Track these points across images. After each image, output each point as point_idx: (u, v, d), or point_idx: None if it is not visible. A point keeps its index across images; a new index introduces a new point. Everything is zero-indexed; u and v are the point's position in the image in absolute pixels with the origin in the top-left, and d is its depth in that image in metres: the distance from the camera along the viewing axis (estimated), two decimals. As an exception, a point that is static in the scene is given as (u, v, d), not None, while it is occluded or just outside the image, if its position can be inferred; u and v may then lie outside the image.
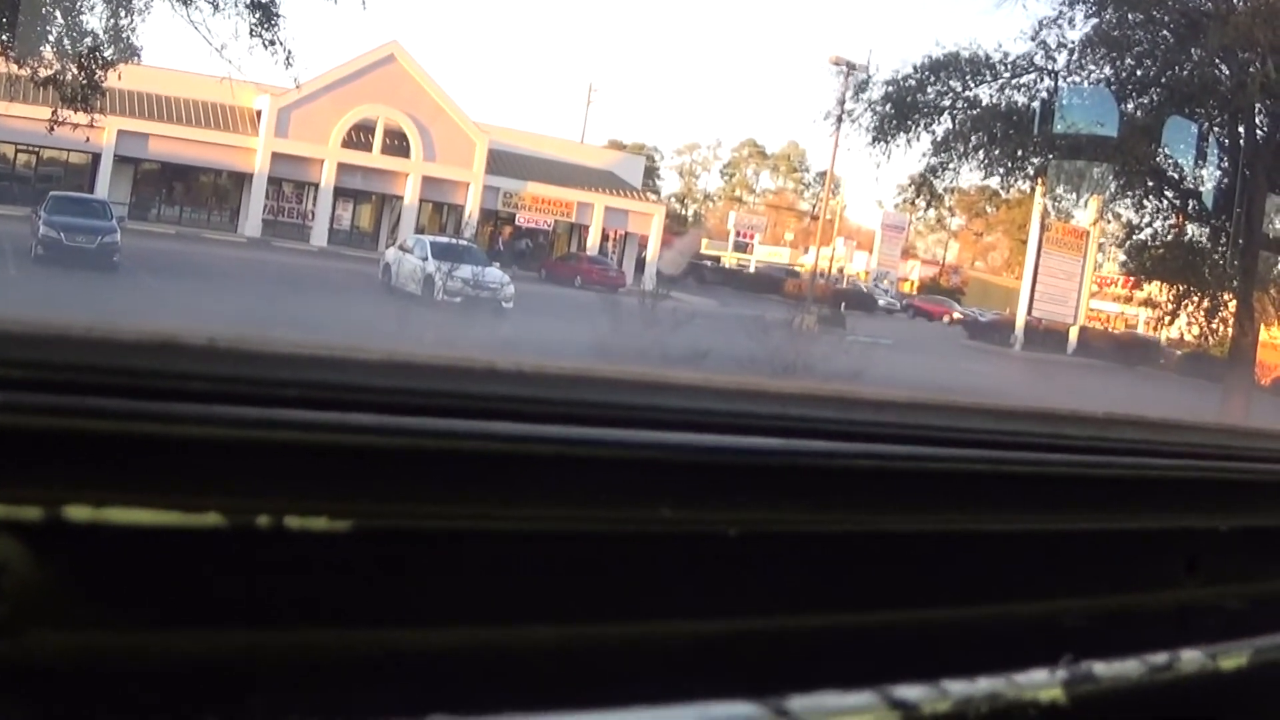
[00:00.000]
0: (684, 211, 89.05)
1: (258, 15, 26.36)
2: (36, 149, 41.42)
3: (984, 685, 1.02)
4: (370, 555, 0.86)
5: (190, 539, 0.79)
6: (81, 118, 26.72)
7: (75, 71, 26.38)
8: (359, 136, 46.89)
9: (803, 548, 1.09)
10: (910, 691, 0.97)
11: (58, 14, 26.92)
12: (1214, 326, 32.91)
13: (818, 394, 1.20)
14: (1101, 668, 1.13)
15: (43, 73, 26.43)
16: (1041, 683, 1.07)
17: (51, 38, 27.18)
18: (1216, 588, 1.48)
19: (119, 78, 27.99)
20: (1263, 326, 33.30)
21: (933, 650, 1.12)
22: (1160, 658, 1.21)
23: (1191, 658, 1.24)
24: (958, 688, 1.00)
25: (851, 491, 1.12)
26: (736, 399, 1.10)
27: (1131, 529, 1.40)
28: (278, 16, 26.70)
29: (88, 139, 29.93)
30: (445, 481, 0.89)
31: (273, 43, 26.91)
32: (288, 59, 27.57)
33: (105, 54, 26.74)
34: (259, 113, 45.32)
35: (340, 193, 47.70)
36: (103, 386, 0.78)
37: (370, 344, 0.94)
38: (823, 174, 63.75)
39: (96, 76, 26.50)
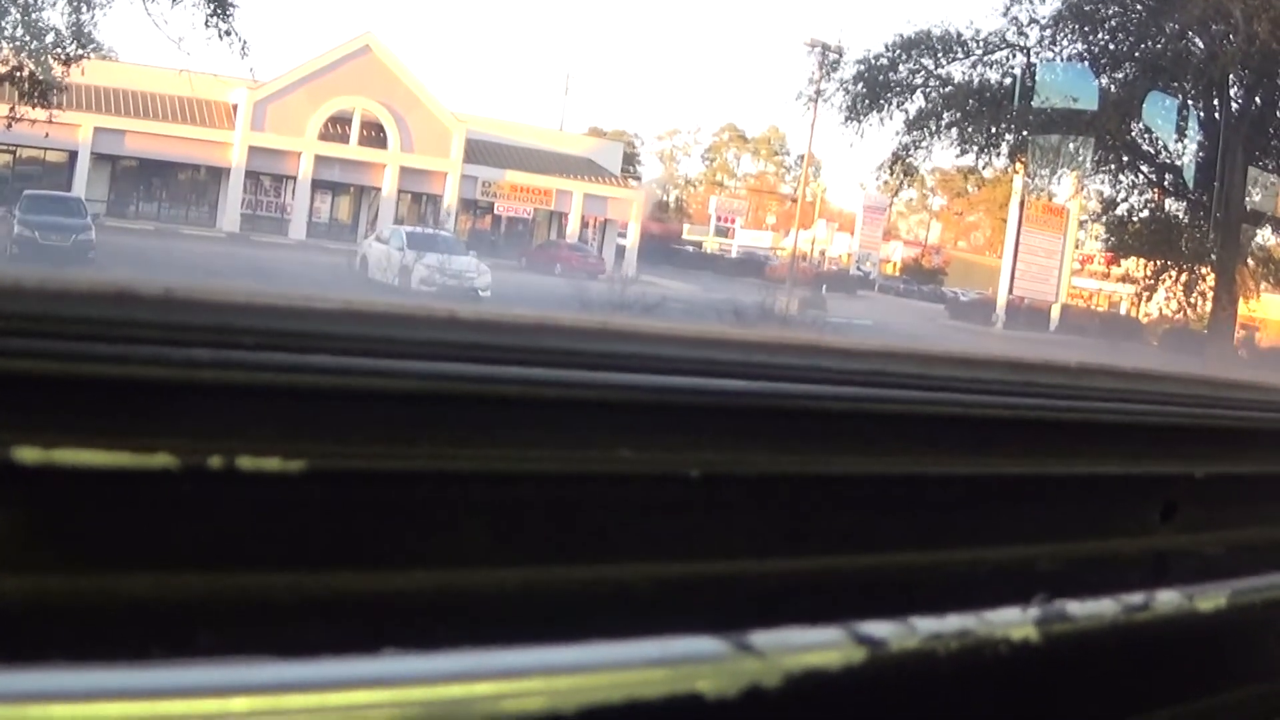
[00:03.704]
0: (665, 197, 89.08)
1: (212, 6, 26.29)
2: (14, 148, 41.27)
3: (954, 623, 1.02)
4: (324, 496, 0.85)
5: (142, 480, 0.78)
6: (40, 113, 26.64)
7: (33, 67, 26.33)
8: (336, 128, 46.88)
9: (767, 489, 1.08)
10: (878, 628, 0.96)
11: (13, 10, 26.83)
12: (1192, 301, 33.07)
13: (785, 342, 1.19)
14: (1075, 607, 1.13)
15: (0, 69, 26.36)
16: (1013, 621, 1.07)
17: (8, 34, 27.12)
18: (1193, 534, 1.47)
19: (82, 73, 27.92)
20: (1242, 300, 33.43)
21: (903, 593, 1.11)
22: (1136, 598, 1.20)
23: (1168, 599, 1.24)
24: (927, 625, 1.00)
25: (818, 434, 1.11)
26: (701, 346, 1.09)
27: (1107, 474, 1.39)
28: (232, 7, 26.65)
29: (46, 134, 29.85)
30: (400, 422, 0.88)
31: (228, 33, 26.88)
32: (243, 49, 27.52)
33: (67, 49, 26.68)
34: (235, 107, 45.24)
35: (318, 185, 47.67)
36: (56, 334, 0.77)
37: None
38: (803, 157, 63.81)
39: (54, 72, 26.42)
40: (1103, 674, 1.17)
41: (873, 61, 33.86)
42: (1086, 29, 32.01)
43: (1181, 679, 1.30)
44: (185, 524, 0.80)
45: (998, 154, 34.50)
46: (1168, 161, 32.98)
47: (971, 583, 1.19)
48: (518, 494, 0.94)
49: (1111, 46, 32.08)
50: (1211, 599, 1.28)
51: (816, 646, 0.92)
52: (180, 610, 0.80)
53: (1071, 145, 31.68)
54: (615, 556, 0.98)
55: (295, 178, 46.88)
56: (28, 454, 0.74)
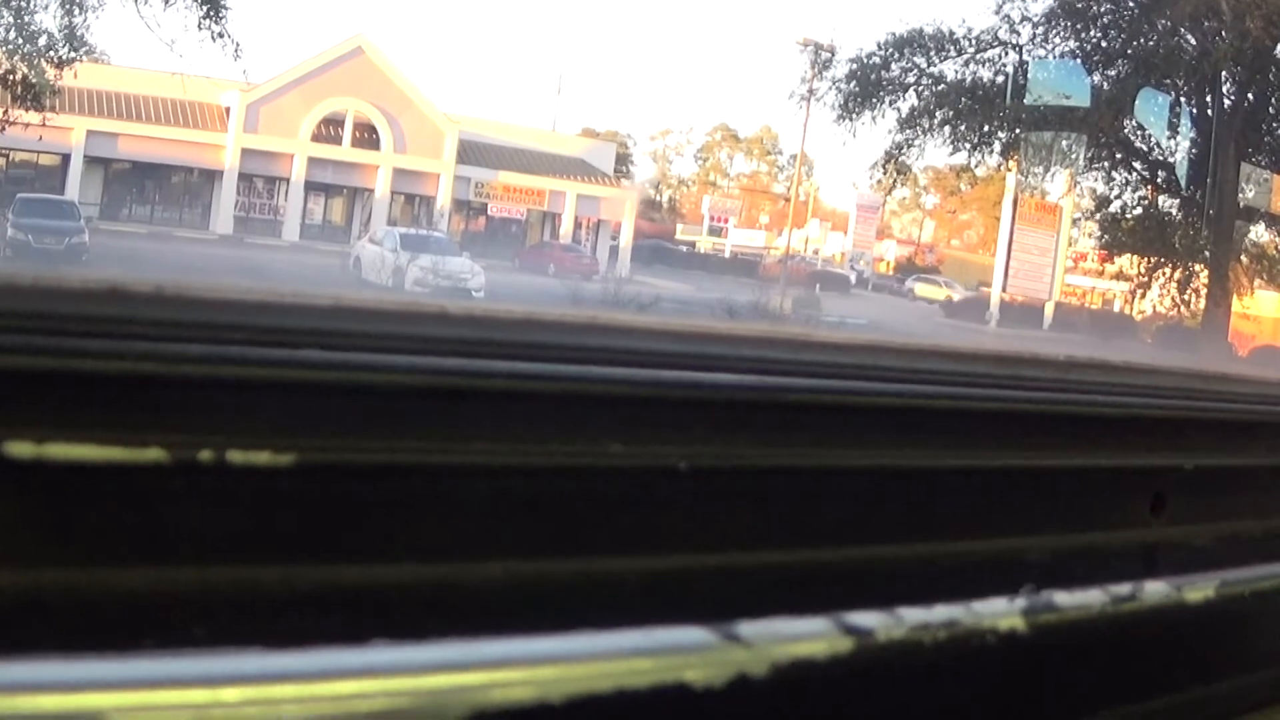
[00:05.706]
0: (658, 197, 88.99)
1: (204, 8, 26.28)
2: (6, 151, 41.22)
3: (941, 613, 1.02)
4: (314, 490, 0.85)
5: (133, 474, 0.78)
6: (33, 116, 26.63)
7: (26, 70, 26.31)
8: (329, 130, 46.82)
9: (755, 482, 1.09)
10: (865, 618, 0.96)
11: (5, 13, 26.80)
12: (1186, 297, 33.07)
13: (772, 336, 1.19)
14: (1063, 597, 1.13)
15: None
16: (1001, 611, 1.07)
17: (0, 36, 27.09)
18: (1182, 526, 1.48)
19: (75, 76, 27.89)
20: (1235, 297, 33.42)
21: (890, 584, 1.12)
22: (1124, 589, 1.20)
23: (1156, 589, 1.24)
24: (914, 615, 1.00)
25: (806, 427, 1.12)
26: (688, 340, 1.09)
27: (1096, 467, 1.40)
28: (224, 9, 26.64)
29: (39, 138, 29.84)
30: (391, 416, 0.88)
31: (220, 36, 26.87)
32: (236, 51, 27.49)
33: (60, 52, 26.66)
34: (227, 109, 45.17)
35: (311, 187, 47.60)
36: (48, 330, 0.77)
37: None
38: (796, 156, 63.76)
39: (47, 75, 26.41)
40: (1090, 664, 1.18)
41: (865, 60, 33.92)
42: (1079, 26, 32.06)
43: (1169, 670, 1.30)
44: (176, 517, 0.81)
45: (990, 152, 34.57)
46: (1160, 158, 33.02)
47: (960, 574, 1.20)
48: (507, 487, 0.94)
49: (1104, 44, 32.12)
50: (1200, 590, 1.28)
51: (803, 636, 0.92)
52: (171, 602, 0.80)
53: (1064, 143, 31.71)
54: (604, 549, 0.99)
55: (288, 179, 46.83)
56: (20, 449, 0.75)
